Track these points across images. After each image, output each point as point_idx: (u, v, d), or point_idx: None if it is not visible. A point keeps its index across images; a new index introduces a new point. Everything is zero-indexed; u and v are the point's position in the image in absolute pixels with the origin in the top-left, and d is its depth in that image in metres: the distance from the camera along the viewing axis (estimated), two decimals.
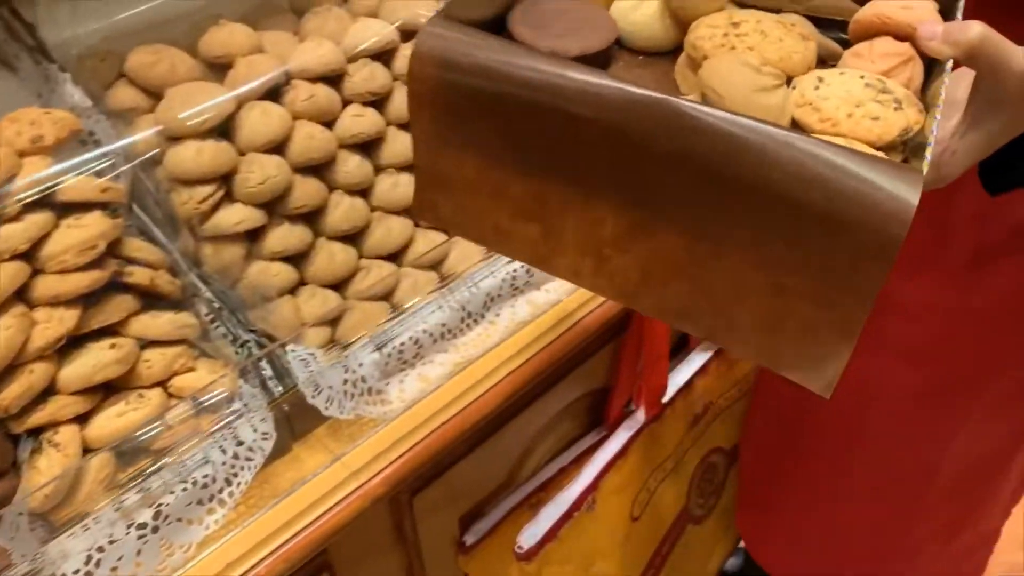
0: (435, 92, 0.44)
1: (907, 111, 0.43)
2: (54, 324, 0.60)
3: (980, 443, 0.95)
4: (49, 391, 0.60)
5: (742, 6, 0.52)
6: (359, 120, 0.76)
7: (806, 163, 0.37)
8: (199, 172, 0.68)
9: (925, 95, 0.47)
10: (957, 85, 0.47)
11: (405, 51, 0.81)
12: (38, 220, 0.60)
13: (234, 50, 0.74)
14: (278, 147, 0.72)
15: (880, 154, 0.41)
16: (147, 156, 0.68)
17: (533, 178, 0.44)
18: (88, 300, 0.62)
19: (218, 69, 0.75)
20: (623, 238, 0.44)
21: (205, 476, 0.66)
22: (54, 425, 0.60)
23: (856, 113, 0.43)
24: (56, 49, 0.71)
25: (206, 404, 0.66)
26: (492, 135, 0.44)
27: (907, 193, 0.36)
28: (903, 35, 0.48)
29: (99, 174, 0.64)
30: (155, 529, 0.64)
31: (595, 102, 0.40)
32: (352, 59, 0.77)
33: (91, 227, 0.62)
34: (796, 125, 0.44)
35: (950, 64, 0.44)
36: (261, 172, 0.70)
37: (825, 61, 0.51)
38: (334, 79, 0.76)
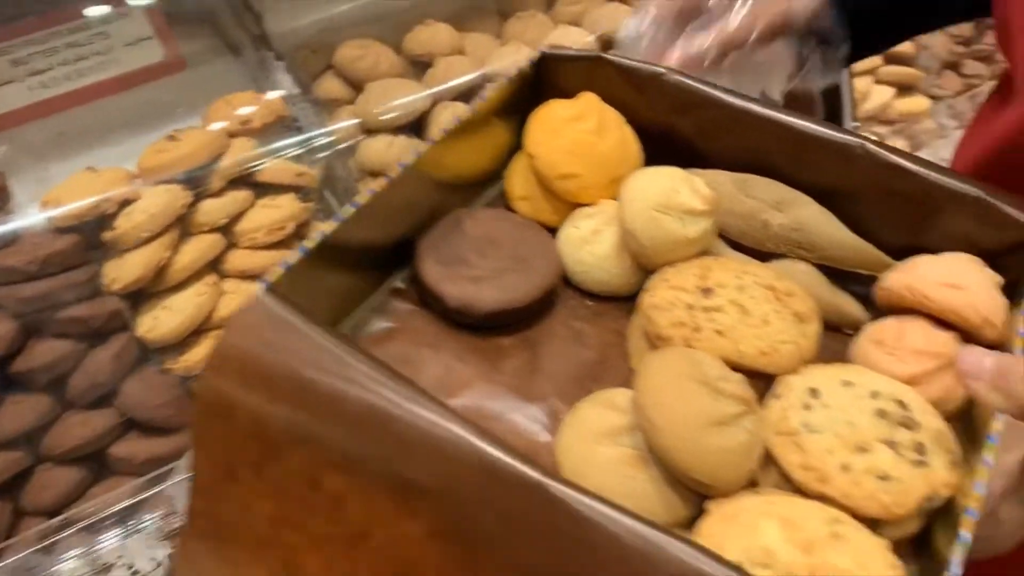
0: (229, 408, 0.31)
1: (934, 465, 0.30)
2: (240, 296, 0.64)
3: None
4: None
5: (734, 245, 0.41)
6: None
7: None
8: (387, 165, 0.70)
9: (967, 424, 0.34)
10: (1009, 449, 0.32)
11: None
12: (238, 197, 0.64)
13: (435, 50, 0.76)
14: None
15: None
16: (343, 145, 0.71)
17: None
18: None
19: (420, 67, 0.78)
20: None
21: None
22: None
23: (856, 465, 0.30)
24: (276, 39, 0.76)
25: None
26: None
27: None
28: (946, 321, 0.35)
29: (297, 159, 0.68)
30: None
31: (437, 457, 0.28)
32: None
33: (284, 208, 0.65)
34: (770, 461, 0.32)
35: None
36: None
37: (839, 328, 0.39)
38: None
